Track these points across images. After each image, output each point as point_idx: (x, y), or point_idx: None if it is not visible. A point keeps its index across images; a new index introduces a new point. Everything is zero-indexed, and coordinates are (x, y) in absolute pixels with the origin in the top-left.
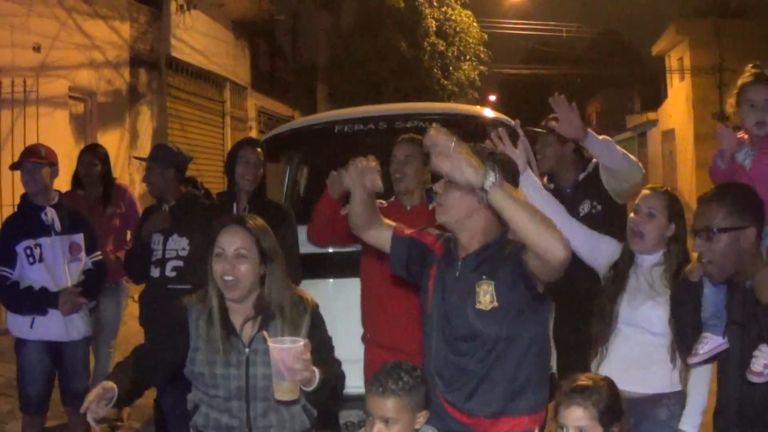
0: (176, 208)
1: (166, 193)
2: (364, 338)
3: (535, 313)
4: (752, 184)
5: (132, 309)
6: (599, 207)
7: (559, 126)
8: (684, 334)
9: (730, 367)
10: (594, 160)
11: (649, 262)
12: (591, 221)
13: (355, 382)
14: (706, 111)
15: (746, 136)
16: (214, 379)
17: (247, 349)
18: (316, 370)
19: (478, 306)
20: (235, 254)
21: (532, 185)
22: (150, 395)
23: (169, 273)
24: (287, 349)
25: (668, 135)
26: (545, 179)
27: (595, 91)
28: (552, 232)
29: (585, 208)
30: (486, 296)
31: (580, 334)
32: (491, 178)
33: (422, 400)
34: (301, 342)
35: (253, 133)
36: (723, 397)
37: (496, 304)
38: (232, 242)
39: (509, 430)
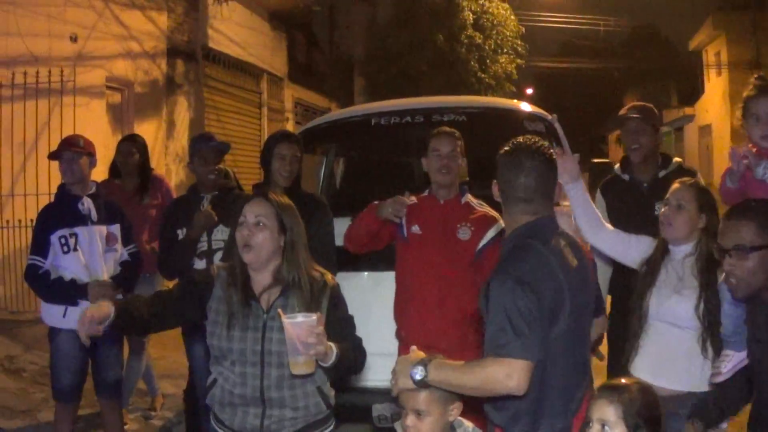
0: (217, 200)
1: (212, 185)
2: (398, 335)
3: None
4: None
5: None
6: None
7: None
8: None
9: (757, 384)
10: (676, 159)
11: (682, 253)
12: None
13: (388, 376)
14: None
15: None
16: (231, 344)
17: (265, 315)
18: (333, 346)
19: None
20: (255, 221)
21: (578, 197)
22: (181, 385)
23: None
24: (300, 323)
25: (705, 130)
26: (617, 167)
27: (632, 85)
28: (494, 383)
29: (659, 209)
30: None
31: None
32: (418, 374)
33: (454, 393)
34: (314, 316)
35: (290, 125)
36: (757, 412)
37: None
38: (253, 211)
39: None
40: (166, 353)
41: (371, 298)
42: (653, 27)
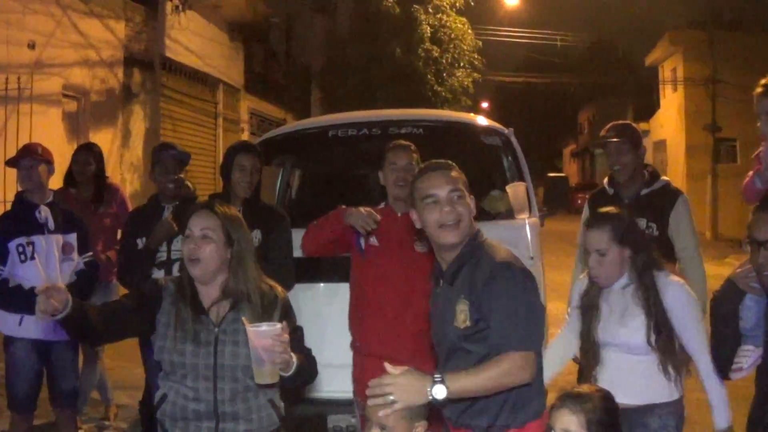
0: (178, 210)
1: (173, 195)
2: (353, 346)
3: None
4: None
5: None
6: (655, 229)
7: None
8: (724, 348)
9: None
10: (664, 177)
11: (619, 286)
12: None
13: (343, 387)
14: (699, 122)
15: None
16: (182, 358)
17: (216, 329)
18: (294, 355)
19: (455, 324)
20: (201, 234)
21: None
22: (136, 396)
23: (176, 274)
24: (265, 332)
25: (659, 145)
26: (605, 180)
27: (589, 99)
28: (511, 377)
29: (640, 225)
30: (461, 315)
31: None
32: (440, 393)
33: (421, 410)
34: (278, 325)
35: (245, 135)
36: (761, 410)
37: (468, 323)
38: (198, 224)
39: None
40: (121, 363)
41: (326, 310)
42: (610, 43)
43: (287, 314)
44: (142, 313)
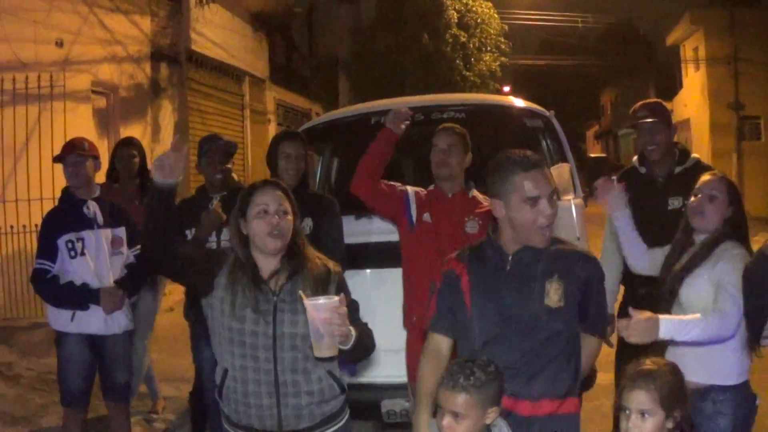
0: (226, 200)
1: (221, 185)
2: (408, 323)
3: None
4: None
5: (163, 303)
6: None
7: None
8: (758, 318)
9: None
10: (694, 155)
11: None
12: (679, 218)
13: (396, 372)
14: (722, 101)
15: None
16: (242, 324)
17: (275, 297)
18: (352, 329)
19: (547, 302)
20: (281, 209)
21: (625, 226)
22: (182, 388)
23: None
24: (323, 305)
25: (683, 125)
26: (635, 159)
27: (610, 81)
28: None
29: (676, 203)
30: (555, 294)
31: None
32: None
33: (495, 396)
34: (335, 297)
35: (272, 126)
36: None
37: (562, 303)
38: (274, 200)
39: (555, 412)
40: (164, 357)
41: (376, 295)
42: (630, 23)
43: (342, 288)
44: (205, 266)
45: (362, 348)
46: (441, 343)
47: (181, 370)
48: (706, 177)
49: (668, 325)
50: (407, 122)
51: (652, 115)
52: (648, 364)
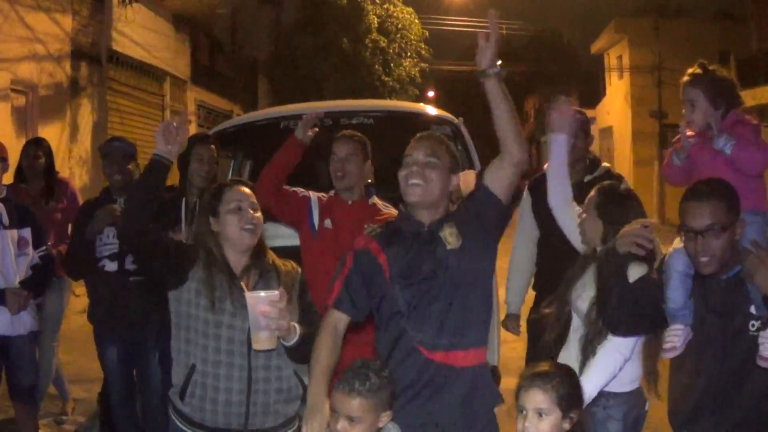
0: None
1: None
2: None
3: (492, 251)
4: (732, 167)
5: (73, 304)
6: None
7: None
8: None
9: (707, 358)
10: (604, 164)
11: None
12: None
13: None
14: (645, 109)
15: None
16: (221, 317)
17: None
18: (296, 326)
19: (448, 247)
20: (253, 205)
21: (561, 150)
22: (92, 389)
23: (129, 266)
24: (262, 297)
25: (606, 132)
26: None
27: (533, 88)
28: (520, 135)
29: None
30: (452, 236)
31: None
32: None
33: (387, 400)
34: (276, 291)
35: (192, 127)
36: (690, 387)
37: (460, 242)
38: (246, 197)
39: (479, 362)
40: (75, 357)
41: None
42: (555, 31)
43: (304, 291)
44: (179, 258)
45: (308, 348)
46: (340, 321)
47: (92, 371)
48: (591, 194)
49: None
50: (315, 128)
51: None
52: (544, 365)
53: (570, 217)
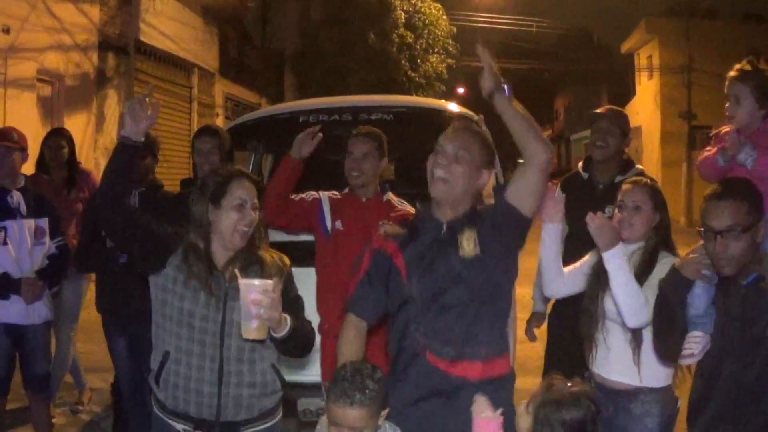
0: (145, 195)
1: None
2: (321, 329)
3: (512, 263)
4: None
5: (91, 294)
6: None
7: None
8: (670, 335)
9: (727, 366)
10: (638, 166)
11: (631, 250)
12: None
13: (312, 371)
14: (674, 110)
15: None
16: (194, 306)
17: (226, 284)
18: (287, 317)
19: (461, 253)
20: (255, 204)
21: (551, 238)
22: (107, 379)
23: None
24: (256, 286)
25: (635, 132)
26: (580, 164)
27: (563, 86)
28: (540, 136)
29: (611, 211)
30: (469, 242)
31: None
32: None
33: (384, 399)
34: (270, 281)
35: (220, 120)
36: (709, 395)
37: (478, 250)
38: (251, 195)
39: (489, 376)
40: (91, 347)
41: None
42: (585, 30)
43: (291, 283)
44: (162, 242)
45: (297, 341)
46: (359, 321)
47: (109, 362)
48: (626, 187)
49: (615, 258)
50: (315, 141)
51: (612, 117)
52: (565, 393)
53: (567, 284)
